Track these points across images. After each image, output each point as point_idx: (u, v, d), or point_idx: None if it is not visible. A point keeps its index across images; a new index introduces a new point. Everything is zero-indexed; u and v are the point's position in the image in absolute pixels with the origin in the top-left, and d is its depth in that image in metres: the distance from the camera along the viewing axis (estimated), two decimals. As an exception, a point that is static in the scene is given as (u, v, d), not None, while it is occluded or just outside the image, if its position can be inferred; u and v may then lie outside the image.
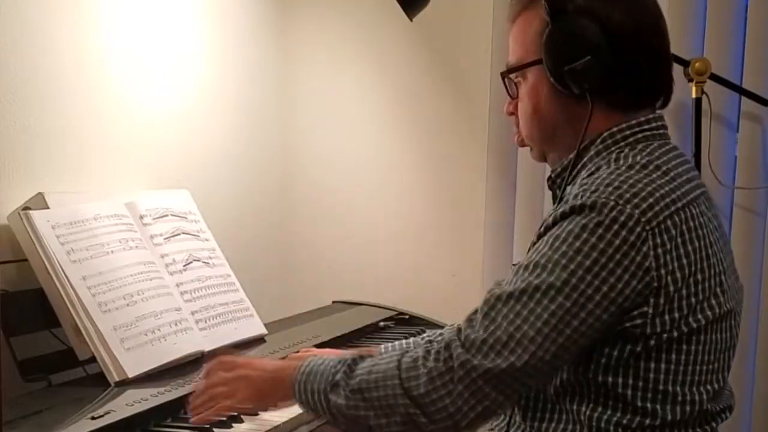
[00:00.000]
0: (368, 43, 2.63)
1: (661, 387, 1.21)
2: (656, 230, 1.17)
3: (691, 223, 1.22)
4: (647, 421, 1.21)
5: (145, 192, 1.87)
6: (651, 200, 1.19)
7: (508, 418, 1.37)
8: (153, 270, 1.69)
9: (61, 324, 1.55)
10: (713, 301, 1.23)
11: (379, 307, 2.34)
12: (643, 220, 1.17)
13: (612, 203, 1.17)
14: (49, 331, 1.58)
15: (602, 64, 1.26)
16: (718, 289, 1.24)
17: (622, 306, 1.17)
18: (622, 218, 1.16)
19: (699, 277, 1.21)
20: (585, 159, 1.32)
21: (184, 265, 1.78)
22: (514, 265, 1.39)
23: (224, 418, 1.40)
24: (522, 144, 1.43)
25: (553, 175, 1.37)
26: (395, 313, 2.29)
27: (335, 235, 2.67)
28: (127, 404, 1.39)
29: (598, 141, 1.31)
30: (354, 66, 2.64)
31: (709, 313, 1.22)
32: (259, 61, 2.50)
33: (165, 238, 1.78)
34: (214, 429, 1.38)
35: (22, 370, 1.50)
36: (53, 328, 1.58)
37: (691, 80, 2.17)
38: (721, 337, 1.26)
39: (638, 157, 1.26)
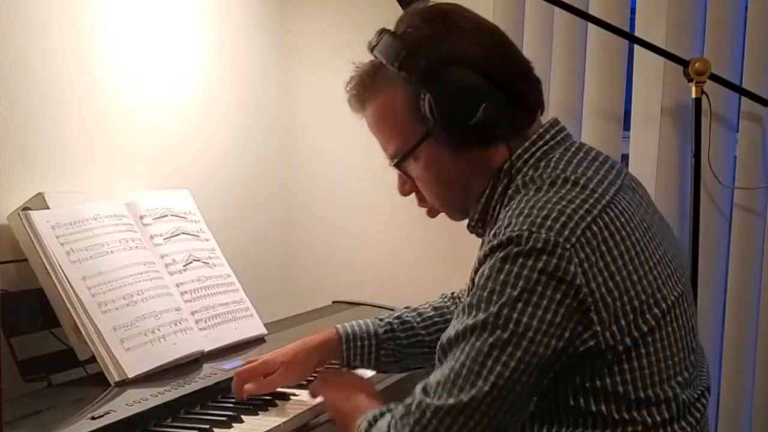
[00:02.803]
0: (368, 43, 2.62)
1: (632, 396, 1.19)
2: (577, 245, 1.15)
3: (612, 228, 1.19)
4: (629, 429, 1.20)
5: (145, 192, 1.87)
6: (563, 218, 1.17)
7: None
8: (153, 270, 1.69)
9: (61, 324, 1.55)
10: (658, 296, 1.21)
11: (379, 307, 2.34)
12: (560, 240, 1.15)
13: (526, 233, 1.15)
14: (49, 331, 1.58)
15: (497, 103, 1.24)
16: (660, 282, 1.22)
17: (565, 327, 1.15)
18: (540, 245, 1.14)
19: (635, 277, 1.19)
20: (496, 195, 1.30)
21: (184, 265, 1.78)
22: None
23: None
24: (436, 215, 1.43)
25: (472, 223, 1.36)
26: (395, 313, 2.29)
27: (335, 235, 2.67)
28: (127, 404, 1.39)
29: (501, 176, 1.28)
30: (354, 66, 2.64)
31: (656, 310, 1.20)
32: (259, 62, 2.50)
33: (165, 238, 1.78)
34: (215, 429, 1.38)
35: (22, 370, 1.50)
36: (53, 328, 1.58)
37: (691, 80, 2.17)
38: (677, 325, 1.24)
39: (543, 176, 1.25)
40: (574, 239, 1.16)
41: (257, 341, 1.87)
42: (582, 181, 1.23)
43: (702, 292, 2.23)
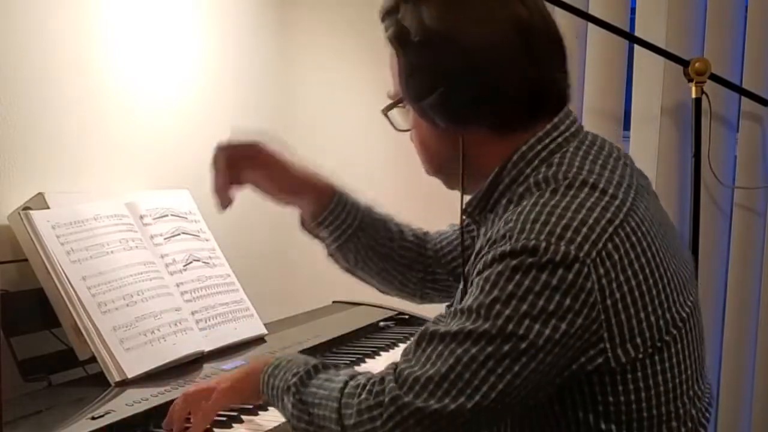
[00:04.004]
0: (369, 43, 2.62)
1: (645, 414, 1.13)
2: (597, 260, 1.07)
3: (633, 239, 1.11)
4: None
5: (145, 192, 1.87)
6: (585, 230, 1.08)
7: None
8: (153, 270, 1.69)
9: (61, 324, 1.55)
10: (674, 310, 1.14)
11: (379, 307, 2.34)
12: (581, 255, 1.07)
13: (544, 244, 1.07)
14: (49, 331, 1.58)
15: (460, 92, 1.15)
16: (675, 294, 1.15)
17: (570, 346, 1.08)
18: (558, 258, 1.06)
19: (654, 292, 1.12)
20: (501, 187, 1.20)
21: (184, 265, 1.78)
22: (448, 307, 1.29)
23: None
24: (429, 174, 1.33)
25: (469, 209, 1.26)
26: (395, 313, 2.29)
27: (335, 235, 2.67)
28: (127, 404, 1.39)
29: (509, 166, 1.19)
30: (355, 67, 2.64)
31: (672, 326, 1.14)
32: (259, 61, 2.50)
33: (165, 238, 1.78)
34: (215, 429, 1.38)
35: (22, 370, 1.50)
36: (53, 328, 1.57)
37: (691, 80, 2.18)
38: (692, 337, 1.19)
39: (559, 175, 1.15)
40: (594, 253, 1.08)
41: (257, 341, 1.86)
42: (601, 185, 1.14)
43: (702, 292, 2.23)
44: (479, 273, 1.12)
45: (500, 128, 1.19)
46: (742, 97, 2.28)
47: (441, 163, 1.27)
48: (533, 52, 1.18)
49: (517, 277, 1.07)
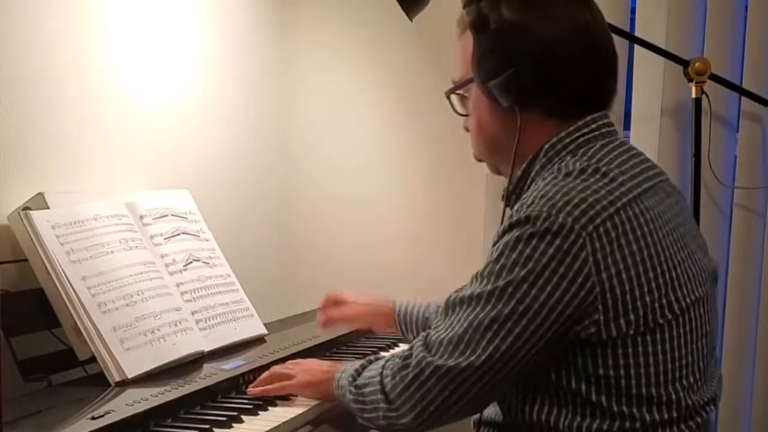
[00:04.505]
0: (369, 43, 2.62)
1: (634, 391, 1.20)
2: (594, 234, 1.17)
3: (634, 222, 1.21)
4: (627, 424, 1.21)
5: (145, 192, 1.87)
6: (584, 206, 1.19)
7: None
8: (153, 270, 1.69)
9: (61, 324, 1.55)
10: (672, 297, 1.21)
11: (379, 307, 2.33)
12: (577, 227, 1.17)
13: (544, 214, 1.18)
14: (49, 331, 1.58)
15: (526, 76, 1.28)
16: (676, 283, 1.23)
17: (565, 314, 1.17)
18: (555, 228, 1.17)
19: (651, 274, 1.20)
20: (532, 174, 1.33)
21: (184, 265, 1.78)
22: None
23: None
24: (477, 158, 1.46)
25: (506, 193, 1.38)
26: (395, 313, 2.29)
27: (335, 235, 2.67)
28: (127, 404, 1.39)
29: (541, 154, 1.32)
30: (355, 67, 2.64)
31: (668, 311, 1.21)
32: (259, 62, 2.50)
33: (165, 238, 1.78)
34: (215, 429, 1.38)
35: (22, 370, 1.50)
36: (53, 328, 1.58)
37: (691, 80, 2.18)
38: (690, 328, 1.24)
39: (577, 164, 1.26)
40: (591, 227, 1.17)
41: (257, 341, 1.87)
42: (612, 174, 1.24)
43: (702, 292, 2.23)
44: (494, 243, 1.24)
45: (549, 114, 1.32)
46: (742, 97, 2.29)
47: (494, 143, 1.39)
48: (592, 54, 1.31)
49: (520, 245, 1.19)
